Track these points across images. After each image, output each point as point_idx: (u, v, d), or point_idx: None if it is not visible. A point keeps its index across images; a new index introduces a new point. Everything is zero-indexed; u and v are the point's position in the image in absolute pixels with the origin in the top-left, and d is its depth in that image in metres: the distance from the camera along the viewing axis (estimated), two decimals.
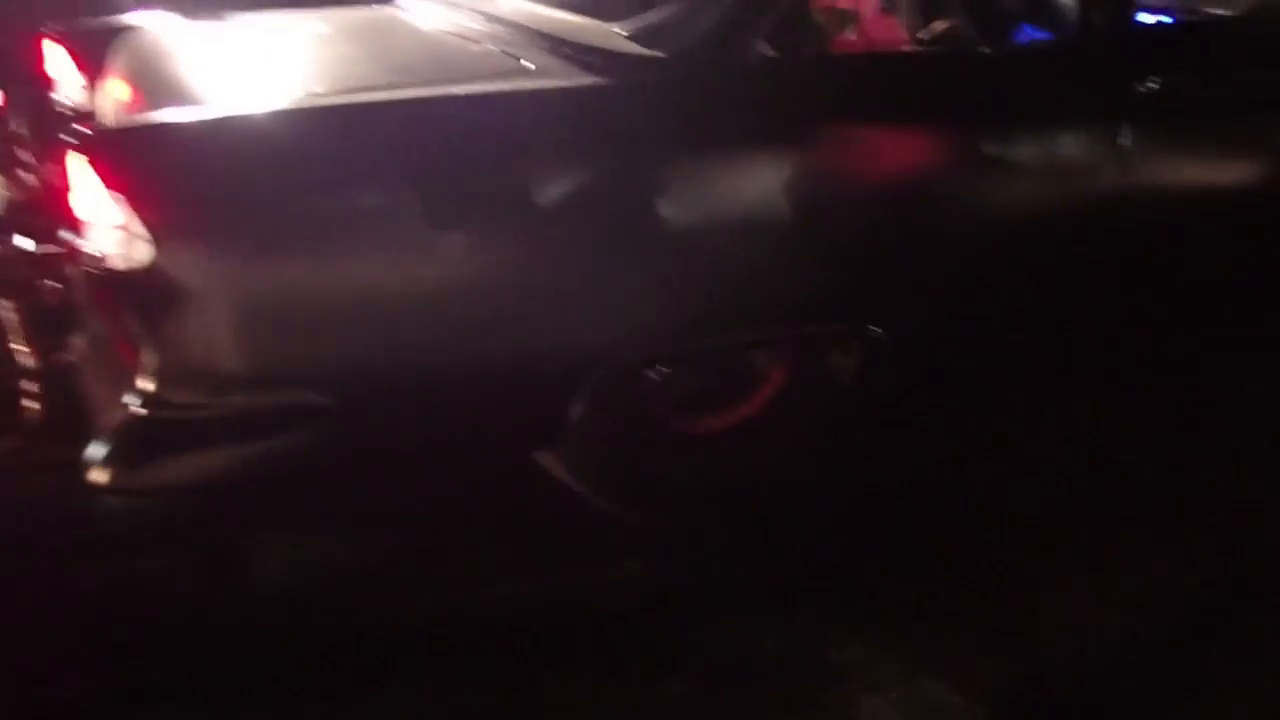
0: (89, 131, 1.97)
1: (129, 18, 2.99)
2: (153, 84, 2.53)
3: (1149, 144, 2.73)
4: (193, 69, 2.52)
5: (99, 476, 2.05)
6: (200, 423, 2.06)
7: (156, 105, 2.31)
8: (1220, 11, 3.50)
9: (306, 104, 2.13)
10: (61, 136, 2.02)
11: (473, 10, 2.80)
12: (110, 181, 1.92)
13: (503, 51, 2.49)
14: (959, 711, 2.01)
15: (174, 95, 2.34)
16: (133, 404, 2.05)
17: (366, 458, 2.25)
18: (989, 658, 2.15)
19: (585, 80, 2.31)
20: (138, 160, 1.98)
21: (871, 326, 2.57)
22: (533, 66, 2.37)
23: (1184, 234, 2.89)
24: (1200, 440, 3.00)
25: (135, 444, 2.07)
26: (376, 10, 3.14)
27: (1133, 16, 2.81)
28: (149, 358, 2.03)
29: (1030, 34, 3.29)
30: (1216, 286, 3.11)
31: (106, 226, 1.96)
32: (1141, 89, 2.71)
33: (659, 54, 2.37)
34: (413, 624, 2.26)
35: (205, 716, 2.00)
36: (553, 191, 2.19)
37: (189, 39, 2.76)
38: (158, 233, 1.93)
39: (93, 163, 1.93)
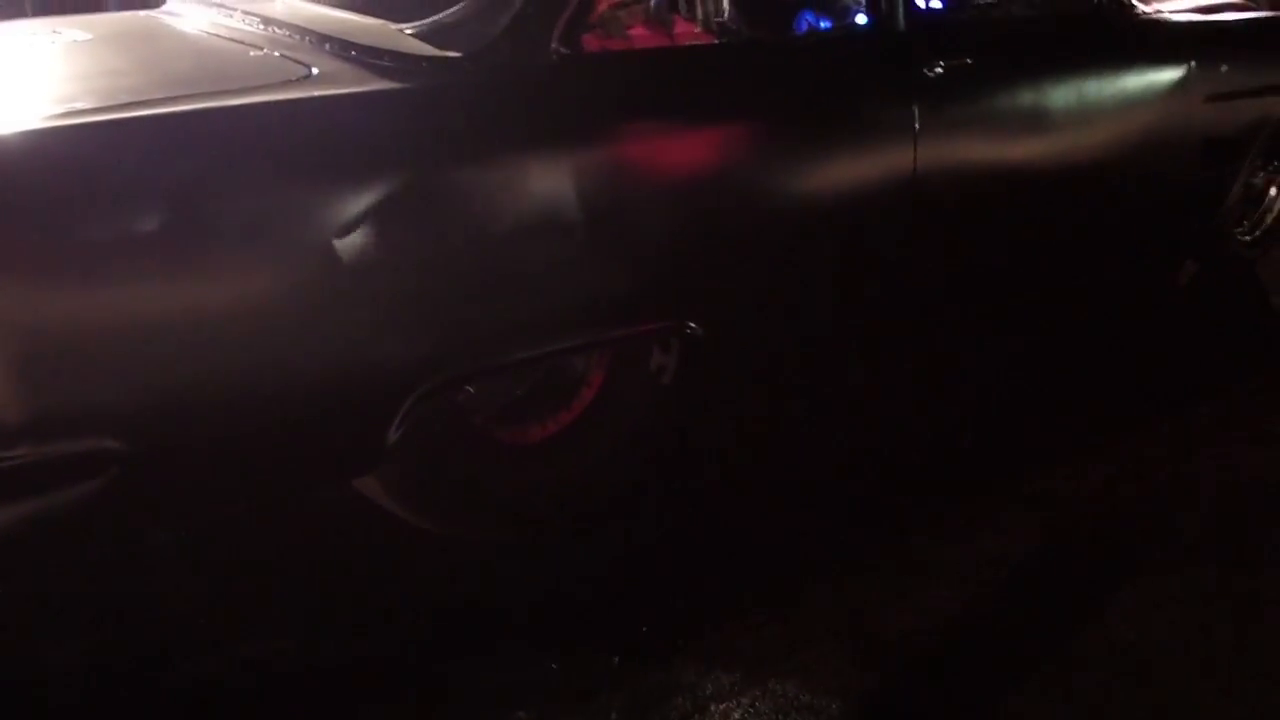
0: None
1: None
2: None
3: (938, 126, 2.82)
4: None
5: None
6: None
7: None
8: None
9: (73, 120, 1.93)
10: None
11: (246, 13, 2.62)
12: None
13: (283, 56, 2.34)
14: (808, 710, 2.00)
15: None
16: None
17: (166, 503, 2.08)
18: (834, 651, 2.15)
19: (376, 85, 2.18)
20: None
21: (688, 324, 2.55)
22: (316, 72, 2.23)
23: (977, 212, 3.00)
24: (1010, 414, 3.15)
25: None
26: (139, 16, 2.91)
27: (915, 3, 2.87)
28: None
29: (810, 21, 3.37)
30: (1007, 261, 3.25)
31: None
32: (929, 74, 2.79)
33: (452, 54, 2.28)
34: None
35: None
36: (350, 206, 2.05)
37: None
38: None
39: None
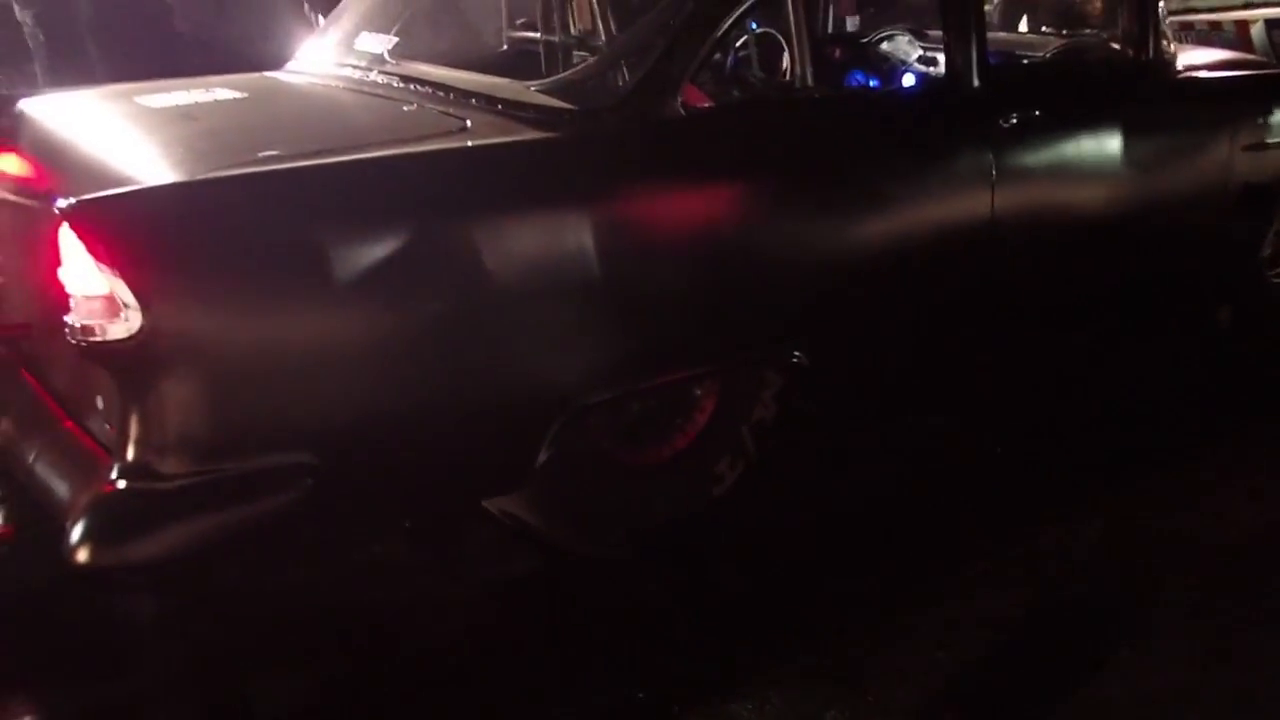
0: (72, 201, 1.92)
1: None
2: (64, 157, 2.46)
3: (1012, 173, 3.05)
4: (113, 139, 2.47)
5: (84, 557, 1.98)
6: (189, 491, 2.02)
7: (76, 179, 2.25)
8: (1032, 54, 3.94)
9: (270, 166, 2.14)
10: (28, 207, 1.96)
11: (383, 73, 2.85)
12: (96, 250, 1.89)
13: (436, 110, 2.56)
14: None
15: (98, 167, 2.29)
16: (115, 477, 2.00)
17: (352, 514, 2.26)
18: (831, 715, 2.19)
19: (531, 135, 2.41)
20: (125, 227, 1.94)
21: (794, 353, 2.76)
22: (470, 124, 2.45)
23: (1045, 253, 3.22)
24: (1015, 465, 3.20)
25: (121, 519, 2.01)
26: (274, 76, 3.13)
27: (989, 61, 3.11)
28: (133, 428, 1.99)
29: (860, 80, 3.63)
30: (1067, 300, 3.47)
31: (91, 297, 1.92)
32: (1004, 125, 3.03)
33: (591, 107, 2.51)
34: None
35: None
36: (514, 243, 2.26)
37: (94, 109, 2.70)
38: (147, 300, 1.91)
39: (78, 232, 1.89)
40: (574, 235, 2.30)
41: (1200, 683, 2.27)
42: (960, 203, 2.98)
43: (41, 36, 4.24)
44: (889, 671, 2.30)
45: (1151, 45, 3.49)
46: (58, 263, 1.98)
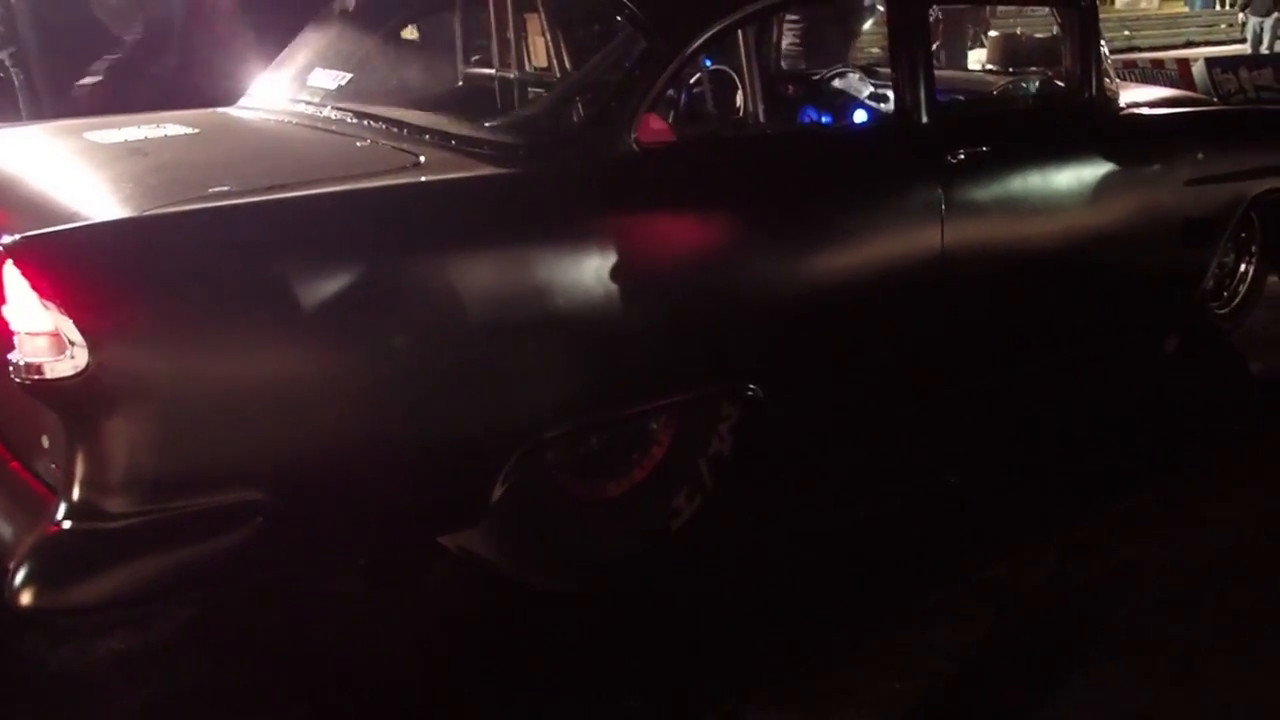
0: (15, 238, 1.90)
1: None
2: (11, 193, 2.43)
3: (961, 208, 3.09)
4: (61, 174, 2.45)
5: (28, 600, 1.94)
6: (137, 531, 1.99)
7: (22, 215, 2.23)
8: (978, 91, 4.02)
9: (236, 200, 2.13)
10: None
11: (336, 108, 2.85)
12: (41, 287, 1.86)
13: (390, 146, 2.56)
14: None
15: (45, 203, 2.27)
16: (61, 518, 1.96)
17: (304, 551, 2.23)
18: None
19: (483, 170, 2.41)
20: (70, 264, 1.92)
21: (750, 386, 2.77)
22: (424, 159, 2.46)
23: (994, 286, 3.27)
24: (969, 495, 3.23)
25: (66, 561, 1.97)
26: (225, 112, 3.12)
27: (937, 98, 3.16)
28: (79, 467, 1.96)
29: (812, 116, 3.68)
30: (1015, 332, 3.51)
31: (36, 334, 1.89)
32: (952, 160, 3.07)
33: (543, 143, 2.52)
34: None
35: None
36: (475, 279, 2.26)
37: (42, 145, 2.68)
38: (94, 337, 1.88)
39: (21, 269, 1.87)
40: (527, 271, 2.31)
41: (1155, 707, 2.29)
42: (911, 237, 3.02)
43: (22, 75, 4.28)
44: (847, 703, 2.30)
45: (1094, 83, 3.56)
46: (2, 300, 1.95)
